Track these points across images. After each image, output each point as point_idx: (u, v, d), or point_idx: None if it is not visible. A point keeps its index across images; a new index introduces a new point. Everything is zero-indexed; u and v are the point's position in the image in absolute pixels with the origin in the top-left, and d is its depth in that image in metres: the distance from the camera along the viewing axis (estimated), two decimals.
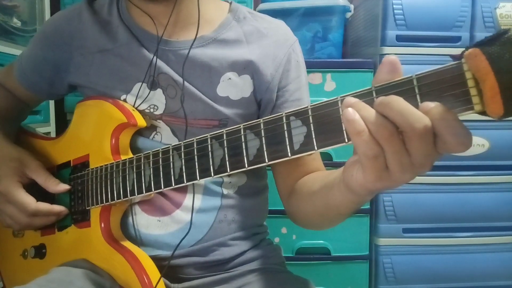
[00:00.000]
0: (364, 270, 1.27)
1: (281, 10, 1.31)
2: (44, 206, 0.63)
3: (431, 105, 0.32)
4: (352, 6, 1.32)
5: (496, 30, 1.17)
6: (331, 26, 1.32)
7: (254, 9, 1.29)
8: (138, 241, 0.62)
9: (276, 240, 1.24)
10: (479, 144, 1.22)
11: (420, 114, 0.33)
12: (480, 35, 1.20)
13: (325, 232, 1.23)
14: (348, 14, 1.32)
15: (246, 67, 0.64)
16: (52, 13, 1.26)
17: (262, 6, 1.34)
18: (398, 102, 0.33)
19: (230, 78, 0.64)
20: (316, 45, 1.33)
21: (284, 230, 1.24)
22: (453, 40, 1.20)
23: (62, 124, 1.27)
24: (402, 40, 1.20)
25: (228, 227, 0.65)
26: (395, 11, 1.19)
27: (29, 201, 0.62)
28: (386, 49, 1.20)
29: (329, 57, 1.32)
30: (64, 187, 0.64)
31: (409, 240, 1.24)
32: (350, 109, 0.35)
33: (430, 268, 1.24)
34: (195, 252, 0.63)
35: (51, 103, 1.26)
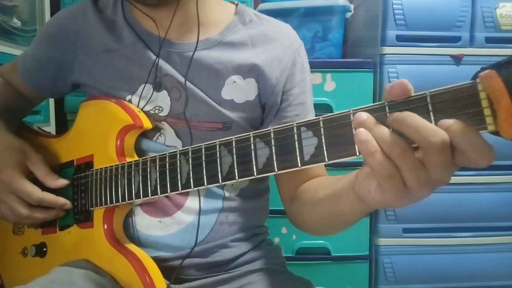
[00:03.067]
0: (364, 270, 1.27)
1: (281, 10, 1.30)
2: (49, 196, 0.62)
3: (450, 121, 0.32)
4: (352, 6, 1.32)
5: (496, 30, 1.18)
6: (331, 26, 1.32)
7: (254, 9, 1.29)
8: (138, 242, 0.62)
9: (276, 240, 1.24)
10: None
11: (435, 129, 0.33)
12: (480, 35, 1.20)
13: None
14: (348, 14, 1.32)
15: (251, 71, 0.64)
16: (52, 13, 1.26)
17: (262, 6, 1.33)
18: (412, 118, 0.33)
19: (235, 81, 0.63)
20: (316, 45, 1.32)
21: (284, 230, 1.24)
22: (453, 40, 1.20)
23: (62, 124, 1.27)
24: (402, 40, 1.20)
25: (229, 228, 0.65)
26: (395, 11, 1.19)
27: (35, 189, 0.61)
28: (386, 49, 1.20)
29: (329, 57, 1.32)
30: (63, 182, 0.64)
31: (409, 240, 1.24)
32: (362, 129, 0.35)
33: (430, 268, 1.24)
34: (196, 254, 0.62)
35: (51, 103, 1.26)
